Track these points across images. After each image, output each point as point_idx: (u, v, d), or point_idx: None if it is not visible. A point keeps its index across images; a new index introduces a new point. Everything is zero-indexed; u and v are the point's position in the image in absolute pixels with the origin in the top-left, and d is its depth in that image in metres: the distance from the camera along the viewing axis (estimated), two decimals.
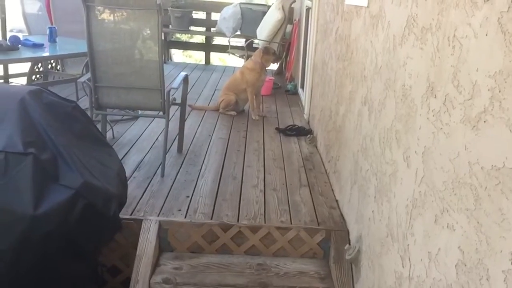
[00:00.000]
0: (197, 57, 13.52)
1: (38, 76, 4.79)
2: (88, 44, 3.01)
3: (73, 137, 2.08)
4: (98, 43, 3.03)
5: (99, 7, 2.96)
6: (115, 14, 3.02)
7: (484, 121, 1.19)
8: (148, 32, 3.03)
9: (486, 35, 1.21)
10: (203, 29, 8.28)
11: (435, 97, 1.53)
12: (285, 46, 6.73)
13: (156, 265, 2.50)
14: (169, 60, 8.22)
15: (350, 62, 2.94)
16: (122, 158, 3.52)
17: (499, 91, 1.13)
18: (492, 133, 1.16)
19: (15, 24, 7.03)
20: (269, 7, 7.01)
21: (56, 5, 4.78)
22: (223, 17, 7.44)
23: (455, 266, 1.30)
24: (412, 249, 1.64)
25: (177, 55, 13.36)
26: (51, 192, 1.81)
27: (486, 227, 1.16)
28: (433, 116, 1.53)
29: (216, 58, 14.11)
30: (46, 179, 1.83)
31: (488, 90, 1.18)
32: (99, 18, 2.99)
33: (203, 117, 4.81)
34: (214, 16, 7.90)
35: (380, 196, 2.09)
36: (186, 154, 3.72)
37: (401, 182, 1.81)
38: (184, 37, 12.06)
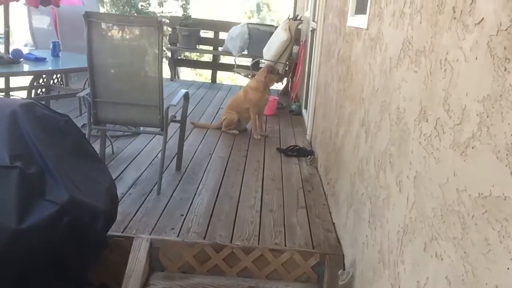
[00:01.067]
0: (207, 75, 13.61)
1: (42, 90, 4.81)
2: (88, 59, 3.02)
3: (63, 152, 2.05)
4: (98, 59, 3.03)
5: (101, 23, 2.97)
6: (117, 30, 3.03)
7: (472, 147, 1.15)
8: (149, 48, 3.03)
9: (476, 59, 1.18)
10: (210, 48, 8.32)
11: (426, 121, 1.49)
12: (291, 67, 6.74)
13: (145, 284, 2.45)
14: (176, 78, 8.25)
15: (350, 84, 2.91)
16: (120, 174, 3.50)
17: (487, 117, 1.09)
18: (479, 159, 1.12)
19: (29, 39, 7.10)
20: (276, 27, 7.04)
21: (62, 20, 4.83)
22: (231, 37, 7.49)
23: None
24: (402, 277, 1.59)
25: (187, 73, 13.47)
26: (36, 207, 1.78)
27: (472, 258, 1.11)
28: (425, 140, 1.49)
29: (226, 77, 14.20)
30: (31, 193, 1.80)
31: (477, 115, 1.14)
32: (101, 33, 3.00)
33: (204, 135, 4.79)
34: (222, 35, 7.95)
35: (374, 220, 2.04)
36: (185, 172, 3.69)
37: (394, 207, 1.77)
38: (194, 56, 12.18)
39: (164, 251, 2.59)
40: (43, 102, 3.28)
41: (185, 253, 2.60)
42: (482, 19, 1.17)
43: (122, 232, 2.64)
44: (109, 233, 2.44)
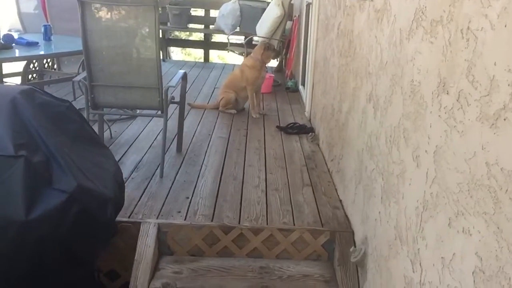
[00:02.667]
0: (197, 55, 13.41)
1: (34, 75, 4.69)
2: (83, 42, 2.93)
3: (67, 139, 1.99)
4: (93, 41, 2.94)
5: (94, 4, 2.87)
6: (111, 11, 2.93)
7: (504, 119, 1.11)
8: (145, 29, 2.94)
9: (505, 26, 1.13)
10: (201, 26, 8.17)
11: (447, 93, 1.44)
12: (284, 43, 6.64)
13: (155, 269, 2.42)
14: (168, 58, 8.13)
15: (353, 58, 2.85)
16: (120, 158, 3.44)
17: None
18: None
19: (14, 24, 6.92)
20: (268, 3, 6.92)
21: (51, 3, 4.68)
22: (222, 14, 7.35)
23: (472, 273, 1.22)
24: (423, 253, 1.56)
25: (176, 53, 13.28)
26: (44, 197, 1.73)
27: (507, 233, 1.08)
28: (446, 113, 1.44)
29: (216, 56, 14.02)
30: (38, 182, 1.74)
31: (508, 85, 1.10)
32: (94, 15, 2.90)
33: (202, 115, 4.72)
34: (213, 13, 7.80)
35: (387, 197, 2.01)
36: (186, 153, 3.64)
37: (410, 182, 1.73)
38: (183, 35, 11.98)
39: (172, 235, 2.56)
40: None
41: (193, 236, 2.57)
42: None
43: (129, 218, 2.60)
44: (116, 219, 2.41)
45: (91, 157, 2.06)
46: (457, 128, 1.36)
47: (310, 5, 4.91)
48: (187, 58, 12.85)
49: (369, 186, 2.33)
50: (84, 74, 3.09)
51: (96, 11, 2.90)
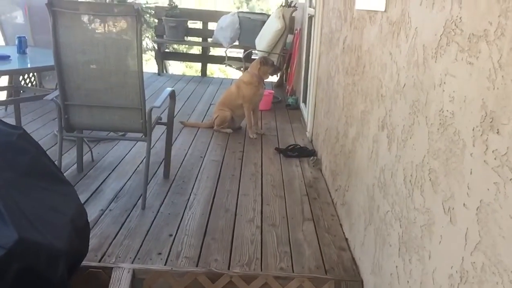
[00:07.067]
0: (198, 67, 13.05)
1: (12, 91, 4.33)
2: (55, 56, 2.58)
3: (16, 175, 1.62)
4: (67, 55, 2.59)
5: (68, 13, 2.53)
6: (88, 22, 2.59)
7: None
8: (126, 41, 2.59)
9: None
10: (199, 39, 7.85)
11: (497, 132, 1.08)
12: (285, 57, 6.31)
13: None
14: (164, 72, 7.79)
15: (362, 77, 2.50)
16: (99, 185, 3.08)
17: None
18: None
19: None
20: (269, 16, 6.60)
21: (33, 14, 4.35)
22: (220, 27, 7.03)
23: None
24: None
25: (176, 66, 12.96)
26: None
27: None
28: (495, 159, 1.08)
29: (217, 69, 13.72)
30: None
31: None
32: (68, 25, 2.55)
33: (195, 135, 4.36)
34: (211, 26, 7.48)
35: (407, 249, 1.63)
36: (174, 180, 3.27)
37: (440, 240, 1.36)
38: (182, 48, 11.66)
39: (150, 282, 2.18)
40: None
41: (174, 284, 2.18)
42: None
43: (99, 262, 2.23)
44: (83, 263, 2.04)
45: (45, 198, 1.68)
46: None
47: (313, 18, 4.57)
48: (188, 71, 12.52)
49: (382, 231, 1.95)
50: (57, 92, 2.73)
51: (70, 20, 2.56)
